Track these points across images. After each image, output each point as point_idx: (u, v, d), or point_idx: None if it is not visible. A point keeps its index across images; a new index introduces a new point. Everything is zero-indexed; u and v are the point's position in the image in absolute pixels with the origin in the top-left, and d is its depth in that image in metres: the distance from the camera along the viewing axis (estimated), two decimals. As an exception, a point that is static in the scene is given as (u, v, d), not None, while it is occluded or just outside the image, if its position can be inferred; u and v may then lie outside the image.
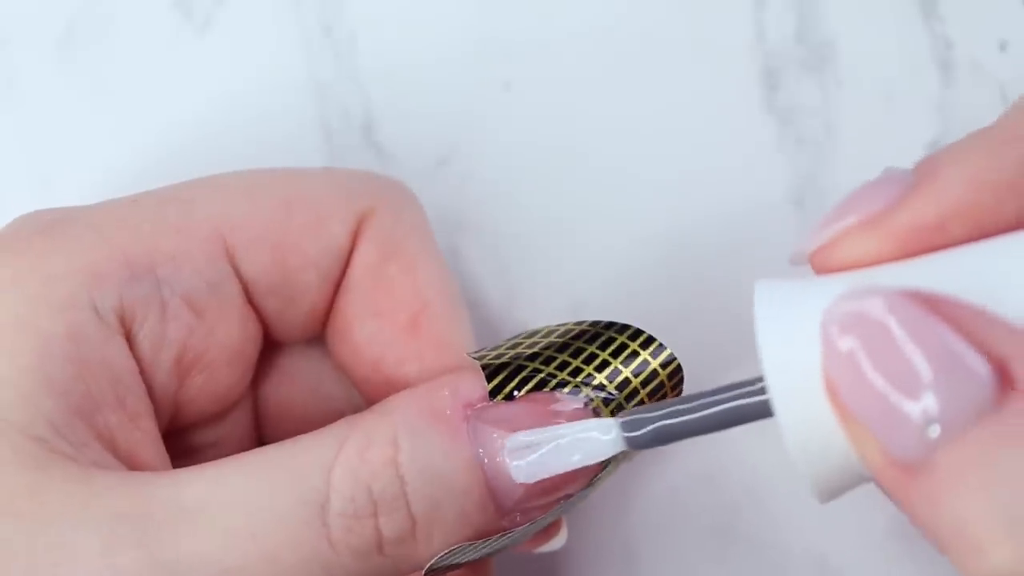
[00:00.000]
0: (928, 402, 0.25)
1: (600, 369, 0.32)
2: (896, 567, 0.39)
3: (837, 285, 0.27)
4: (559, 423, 0.31)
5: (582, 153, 0.39)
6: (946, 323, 0.25)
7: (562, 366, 0.32)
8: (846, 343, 0.26)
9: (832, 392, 0.26)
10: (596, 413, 0.31)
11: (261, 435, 0.36)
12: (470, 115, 0.39)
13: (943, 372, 0.25)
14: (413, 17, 0.40)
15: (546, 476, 0.30)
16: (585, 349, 0.32)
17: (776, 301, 0.28)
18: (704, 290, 0.39)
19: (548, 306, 0.39)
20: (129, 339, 0.32)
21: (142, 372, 0.32)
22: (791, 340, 0.27)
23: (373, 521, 0.30)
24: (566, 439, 0.30)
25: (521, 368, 0.32)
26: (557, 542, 0.34)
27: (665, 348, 0.32)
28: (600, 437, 0.30)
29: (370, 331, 0.34)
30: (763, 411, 0.28)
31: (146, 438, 0.32)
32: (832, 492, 0.28)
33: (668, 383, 0.32)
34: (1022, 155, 0.28)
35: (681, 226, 0.39)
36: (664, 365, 0.32)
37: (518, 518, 0.31)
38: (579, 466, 0.31)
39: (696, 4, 0.39)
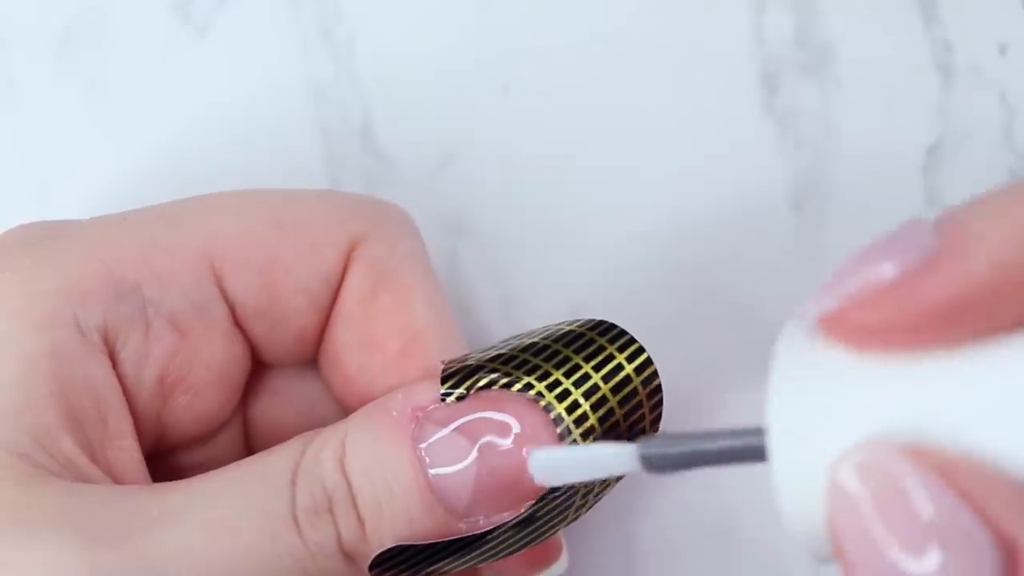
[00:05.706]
0: None
1: (569, 374, 0.31)
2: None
3: (857, 411, 0.26)
4: (503, 417, 0.31)
5: (581, 156, 0.39)
6: (959, 497, 0.24)
7: (525, 366, 0.31)
8: (854, 493, 0.25)
9: (837, 546, 0.25)
10: (550, 413, 0.31)
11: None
12: (469, 118, 0.39)
13: (951, 550, 0.24)
14: (412, 20, 0.40)
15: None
16: (560, 352, 0.31)
17: (794, 415, 0.26)
18: (703, 294, 0.39)
19: (547, 309, 0.39)
20: (112, 358, 0.32)
21: (125, 391, 0.32)
22: (804, 464, 0.26)
23: (331, 517, 0.30)
24: (584, 454, 0.30)
25: (477, 370, 0.31)
26: (557, 568, 0.34)
27: (643, 352, 0.32)
28: (616, 456, 0.29)
29: (360, 361, 0.34)
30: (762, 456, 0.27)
31: (127, 457, 0.32)
32: (829, 559, 0.27)
33: (643, 390, 0.32)
34: None
35: (680, 229, 0.39)
36: (639, 370, 0.32)
37: (480, 521, 0.31)
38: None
39: (694, 7, 0.39)
